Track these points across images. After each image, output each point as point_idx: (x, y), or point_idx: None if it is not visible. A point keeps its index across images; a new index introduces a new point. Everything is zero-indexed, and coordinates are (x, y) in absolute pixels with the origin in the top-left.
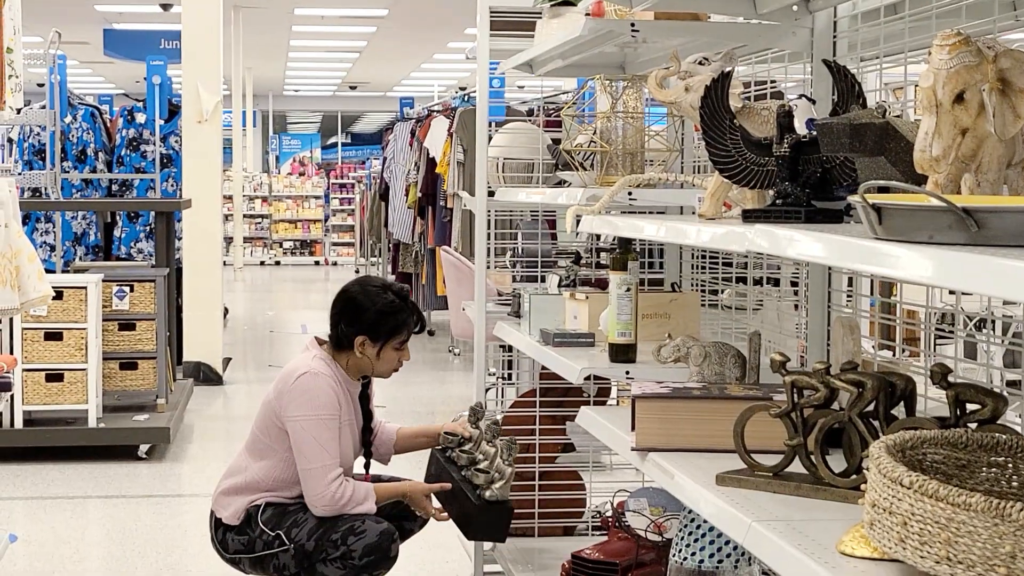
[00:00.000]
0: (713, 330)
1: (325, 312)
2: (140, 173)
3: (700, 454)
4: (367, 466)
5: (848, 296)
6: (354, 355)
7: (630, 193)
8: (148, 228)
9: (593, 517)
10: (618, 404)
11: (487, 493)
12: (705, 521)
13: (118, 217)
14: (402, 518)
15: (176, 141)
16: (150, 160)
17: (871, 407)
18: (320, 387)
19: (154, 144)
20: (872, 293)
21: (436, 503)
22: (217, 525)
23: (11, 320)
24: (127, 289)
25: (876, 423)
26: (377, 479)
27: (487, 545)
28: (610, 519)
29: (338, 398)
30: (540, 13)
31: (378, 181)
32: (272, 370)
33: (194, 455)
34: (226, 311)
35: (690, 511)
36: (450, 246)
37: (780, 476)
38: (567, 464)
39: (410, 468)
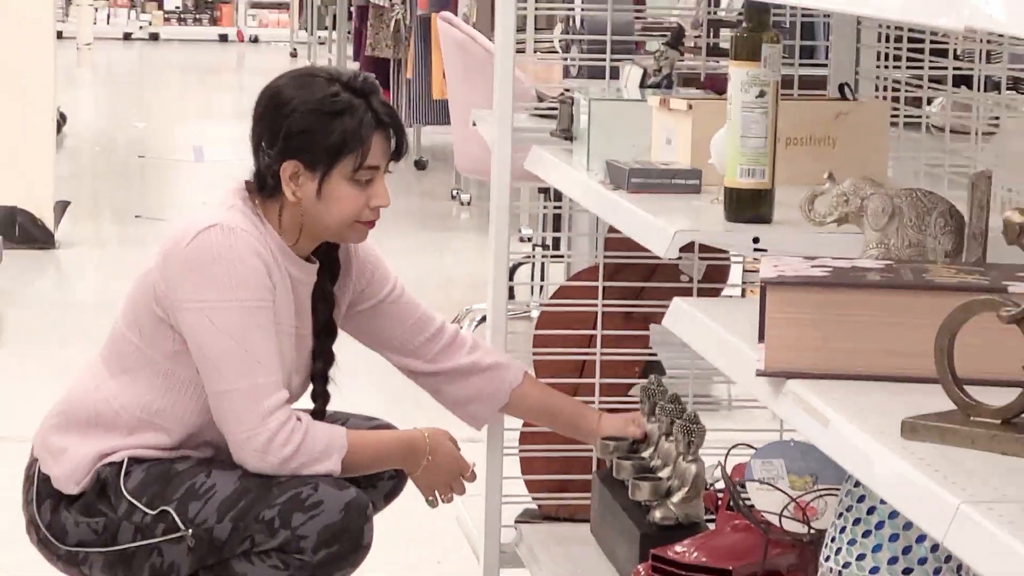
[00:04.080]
0: (913, 169)
1: (240, 124)
2: None
3: (877, 384)
4: (320, 412)
5: None
6: (286, 202)
7: None
8: None
9: None
10: (744, 296)
11: (658, 514)
12: (883, 502)
13: None
14: (357, 481)
15: None
16: None
17: None
18: (238, 251)
19: None
20: None
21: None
22: (41, 494)
23: None
24: None
25: None
26: (332, 420)
27: (507, 533)
28: (720, 495)
29: (270, 276)
30: None
31: None
32: (141, 225)
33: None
34: (63, 119)
35: (857, 483)
36: (456, 13)
37: (1012, 424)
38: None
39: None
